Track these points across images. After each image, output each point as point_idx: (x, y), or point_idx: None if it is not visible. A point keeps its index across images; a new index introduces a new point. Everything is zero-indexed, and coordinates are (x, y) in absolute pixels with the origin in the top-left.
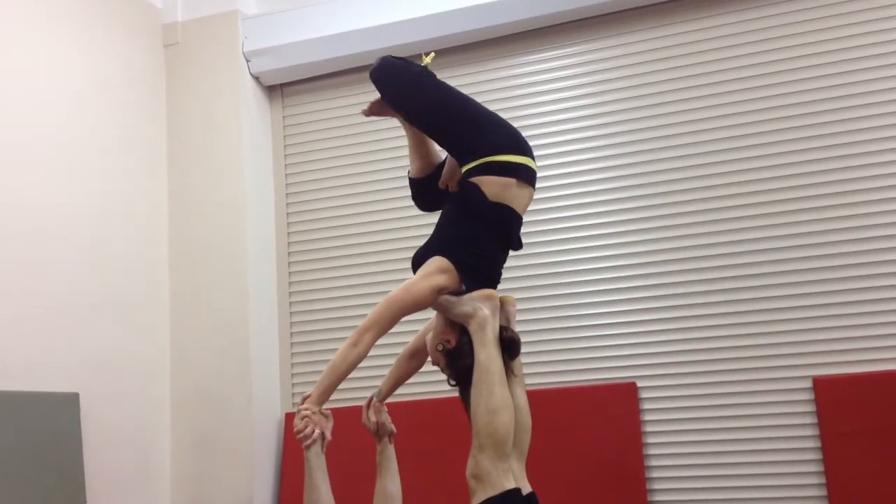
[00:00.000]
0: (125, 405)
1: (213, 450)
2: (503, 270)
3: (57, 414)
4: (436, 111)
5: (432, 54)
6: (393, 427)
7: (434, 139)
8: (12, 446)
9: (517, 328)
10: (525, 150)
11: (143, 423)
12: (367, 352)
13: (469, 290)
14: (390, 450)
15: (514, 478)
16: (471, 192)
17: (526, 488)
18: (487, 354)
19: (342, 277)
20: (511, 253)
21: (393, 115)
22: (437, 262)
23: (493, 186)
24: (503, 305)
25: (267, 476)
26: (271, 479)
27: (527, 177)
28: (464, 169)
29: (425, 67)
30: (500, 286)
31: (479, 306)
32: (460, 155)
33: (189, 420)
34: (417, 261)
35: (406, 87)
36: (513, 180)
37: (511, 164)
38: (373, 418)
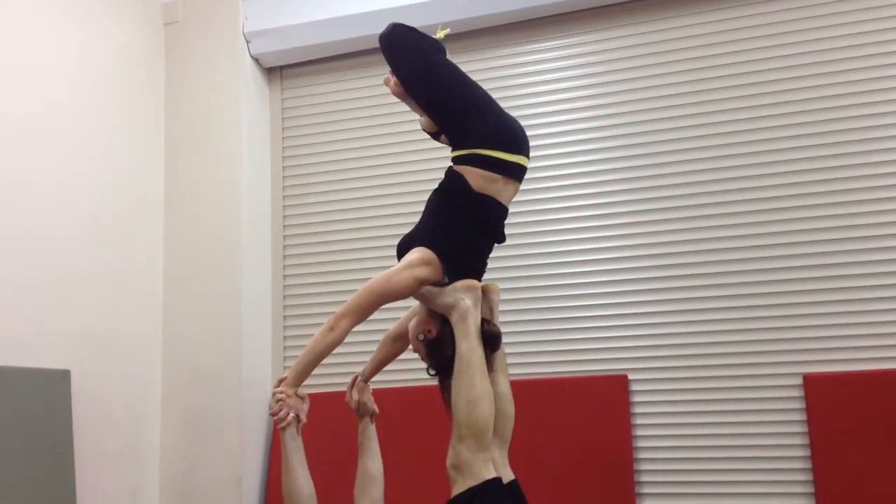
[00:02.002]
0: (116, 383)
1: (204, 429)
2: (492, 261)
3: (47, 390)
4: (436, 86)
5: (447, 30)
6: (375, 407)
7: (429, 115)
8: (1, 421)
9: (501, 317)
10: (521, 147)
11: (134, 401)
12: (343, 337)
13: (452, 281)
14: (371, 429)
15: (496, 466)
16: (456, 182)
17: (508, 476)
18: (468, 345)
19: (337, 262)
20: (502, 244)
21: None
22: (420, 253)
23: (479, 179)
24: (486, 293)
25: (256, 456)
26: (261, 459)
27: (515, 174)
28: (453, 154)
29: (437, 41)
30: (490, 276)
31: (460, 297)
32: (452, 139)
33: (180, 399)
34: (402, 249)
35: (410, 57)
36: (499, 176)
37: (501, 162)
38: (355, 397)
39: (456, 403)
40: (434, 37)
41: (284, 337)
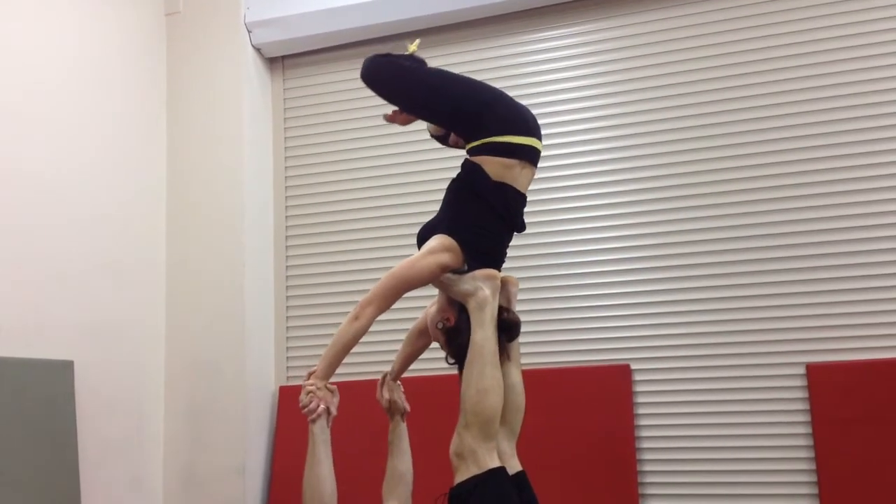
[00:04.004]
0: (120, 373)
1: (207, 419)
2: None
3: (51, 381)
4: (432, 97)
5: (417, 41)
6: (406, 405)
7: (437, 124)
8: (6, 412)
9: (517, 307)
10: (532, 130)
11: (137, 392)
12: (369, 325)
13: (472, 269)
14: (402, 428)
15: (504, 457)
16: (473, 172)
17: (516, 467)
18: (483, 334)
19: (339, 252)
20: (522, 232)
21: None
22: (442, 240)
23: (495, 166)
24: (505, 285)
25: (259, 446)
26: (264, 450)
27: (530, 157)
28: (468, 147)
29: (413, 56)
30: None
31: (479, 286)
32: (465, 135)
33: (183, 389)
34: (422, 237)
35: (398, 80)
36: (515, 161)
37: (515, 146)
38: (386, 395)
39: (465, 391)
40: (407, 52)
41: (287, 327)
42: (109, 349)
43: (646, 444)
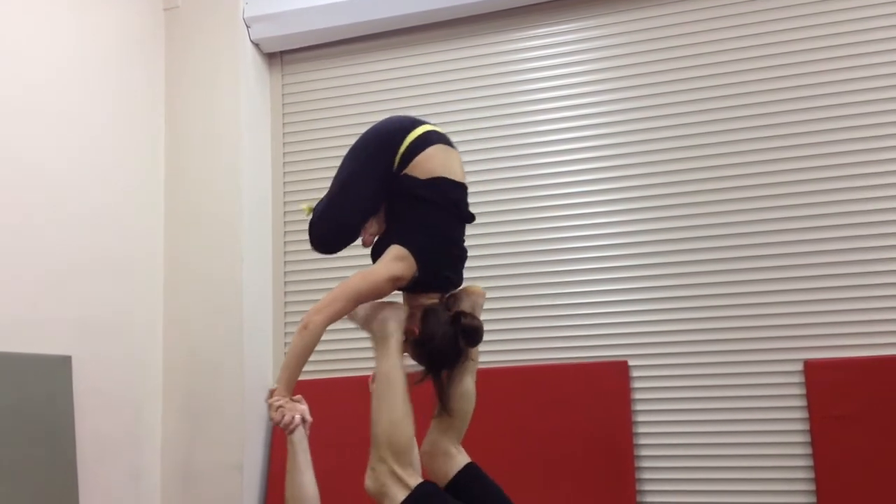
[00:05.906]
0: (117, 369)
1: (205, 414)
2: (492, 247)
3: (49, 376)
4: (362, 189)
5: (304, 205)
6: None
7: (381, 200)
8: (3, 407)
9: (503, 304)
10: (413, 122)
11: (135, 387)
12: (320, 334)
13: (427, 273)
14: None
15: (449, 457)
16: (402, 181)
17: (464, 461)
18: (389, 365)
19: None
20: (503, 230)
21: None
22: (393, 250)
23: (420, 168)
24: (469, 295)
25: (257, 442)
26: (262, 446)
27: (436, 140)
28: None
29: (314, 209)
30: (490, 263)
31: (385, 318)
32: (389, 185)
33: (181, 385)
34: (375, 252)
35: (337, 218)
36: (431, 151)
37: (416, 140)
38: None
39: (377, 423)
40: (306, 215)
41: (285, 323)
42: (107, 344)
43: (643, 441)
